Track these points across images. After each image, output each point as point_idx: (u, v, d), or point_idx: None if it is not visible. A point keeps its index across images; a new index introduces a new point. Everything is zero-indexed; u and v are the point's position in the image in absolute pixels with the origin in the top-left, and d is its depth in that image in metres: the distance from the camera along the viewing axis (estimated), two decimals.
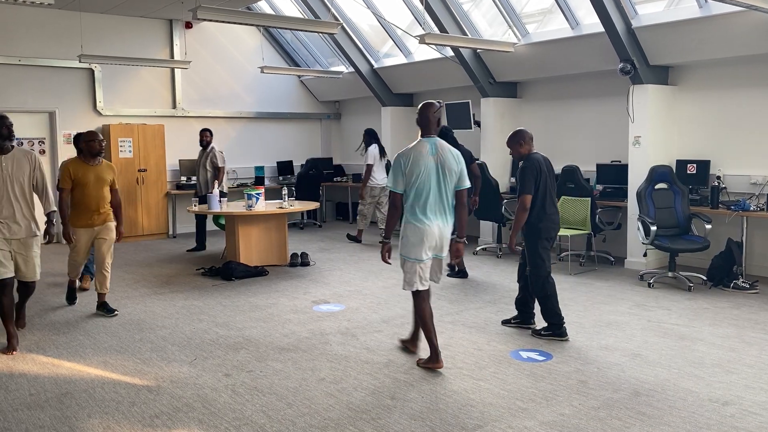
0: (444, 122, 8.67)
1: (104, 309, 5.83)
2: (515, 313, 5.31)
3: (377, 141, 9.59)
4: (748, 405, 3.73)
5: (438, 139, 4.35)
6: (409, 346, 4.75)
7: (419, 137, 4.37)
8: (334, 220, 12.39)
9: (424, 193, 4.22)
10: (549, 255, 5.04)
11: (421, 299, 4.36)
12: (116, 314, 5.77)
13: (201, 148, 9.04)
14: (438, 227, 4.25)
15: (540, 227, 4.92)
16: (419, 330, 4.63)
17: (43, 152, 9.76)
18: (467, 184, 4.36)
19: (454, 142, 7.69)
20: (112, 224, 5.82)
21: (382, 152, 9.56)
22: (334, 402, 3.84)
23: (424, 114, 4.38)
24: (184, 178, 10.67)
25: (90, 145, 5.68)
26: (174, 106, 10.91)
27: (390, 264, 4.43)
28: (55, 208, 5.10)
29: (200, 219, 9.18)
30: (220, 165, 8.85)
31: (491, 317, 5.57)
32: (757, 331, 5.10)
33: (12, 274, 4.78)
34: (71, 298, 6.22)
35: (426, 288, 4.35)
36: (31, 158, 4.88)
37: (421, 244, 4.23)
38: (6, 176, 4.73)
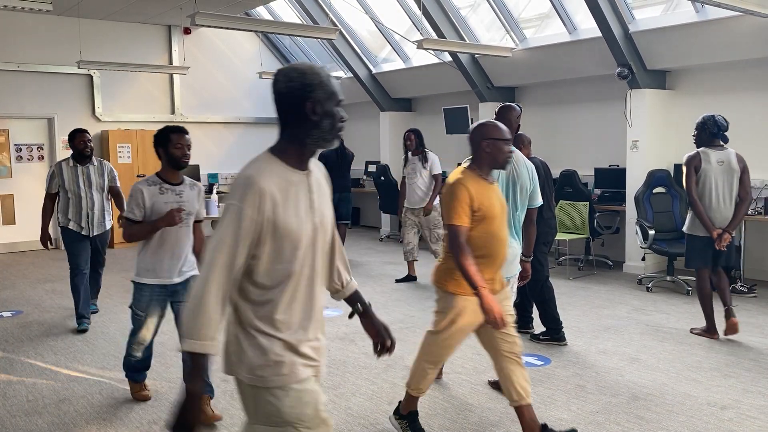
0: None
1: None
2: None
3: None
4: (747, 409, 3.73)
5: (513, 149, 3.73)
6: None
7: None
8: None
9: None
10: (547, 259, 5.04)
11: None
12: None
13: (80, 161, 5.40)
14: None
15: (538, 231, 4.91)
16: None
17: (41, 158, 9.78)
18: (539, 201, 3.97)
19: (343, 153, 7.82)
20: (508, 290, 3.42)
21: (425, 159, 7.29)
22: (332, 407, 3.83)
23: (504, 117, 3.82)
24: None
25: (496, 147, 3.11)
26: (173, 112, 10.92)
27: None
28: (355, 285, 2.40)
29: (76, 280, 5.43)
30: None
31: None
32: (755, 335, 5.10)
33: None
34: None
35: None
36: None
37: None
38: (317, 226, 2.03)
